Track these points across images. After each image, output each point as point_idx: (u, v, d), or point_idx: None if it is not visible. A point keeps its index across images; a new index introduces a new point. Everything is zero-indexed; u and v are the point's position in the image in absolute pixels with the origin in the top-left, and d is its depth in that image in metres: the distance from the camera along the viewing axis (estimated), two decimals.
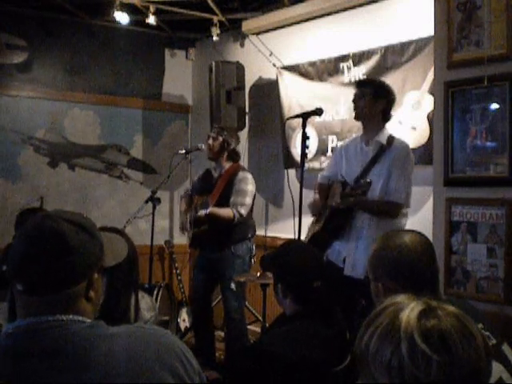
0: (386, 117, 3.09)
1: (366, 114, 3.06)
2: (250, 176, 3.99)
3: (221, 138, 3.97)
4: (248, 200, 3.91)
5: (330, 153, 4.41)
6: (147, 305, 2.35)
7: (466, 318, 0.96)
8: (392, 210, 2.98)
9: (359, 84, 3.17)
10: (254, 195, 4.01)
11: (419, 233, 1.77)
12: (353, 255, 3.00)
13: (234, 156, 4.06)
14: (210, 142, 4.01)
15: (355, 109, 3.09)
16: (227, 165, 4.02)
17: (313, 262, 2.05)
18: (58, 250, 1.15)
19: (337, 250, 3.11)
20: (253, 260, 4.02)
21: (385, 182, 2.94)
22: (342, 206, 2.94)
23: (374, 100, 3.02)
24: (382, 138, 3.03)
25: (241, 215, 3.85)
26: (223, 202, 3.90)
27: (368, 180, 2.78)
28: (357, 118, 3.14)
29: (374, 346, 0.94)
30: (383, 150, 3.00)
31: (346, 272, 3.02)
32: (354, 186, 2.88)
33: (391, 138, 3.04)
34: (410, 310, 0.95)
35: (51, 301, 1.15)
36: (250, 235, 4.02)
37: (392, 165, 2.95)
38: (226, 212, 3.85)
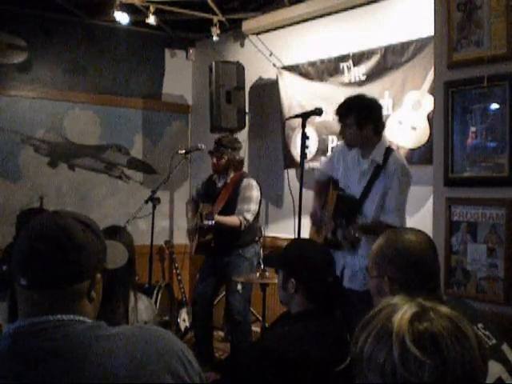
0: (378, 132, 2.97)
1: (357, 141, 2.97)
2: (254, 182, 4.02)
3: (226, 157, 4.00)
4: (253, 206, 3.94)
5: (330, 153, 4.40)
6: (144, 305, 2.35)
7: (460, 319, 0.96)
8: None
9: (341, 116, 3.00)
10: (260, 201, 4.04)
11: (422, 231, 1.77)
12: (352, 267, 2.96)
13: (239, 166, 4.09)
14: (215, 160, 4.03)
15: (344, 138, 3.01)
16: (232, 173, 4.05)
17: (326, 258, 2.06)
18: (65, 246, 1.15)
19: None
20: (260, 261, 4.03)
21: (380, 198, 2.90)
22: (333, 242, 2.94)
23: (360, 129, 2.91)
24: (378, 156, 2.93)
25: (247, 221, 3.89)
26: (229, 210, 3.93)
27: (357, 235, 2.79)
28: (350, 146, 3.05)
29: (368, 349, 0.94)
30: (379, 169, 2.93)
31: (344, 283, 2.97)
32: (345, 234, 2.86)
33: (387, 154, 2.93)
34: (402, 312, 0.95)
35: (54, 298, 1.14)
36: (257, 238, 4.10)
37: (387, 184, 2.89)
38: (232, 220, 3.89)
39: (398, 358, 0.90)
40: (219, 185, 4.09)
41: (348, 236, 2.84)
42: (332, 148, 4.37)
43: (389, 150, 2.95)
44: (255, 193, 3.97)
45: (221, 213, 3.92)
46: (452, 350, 0.90)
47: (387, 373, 0.90)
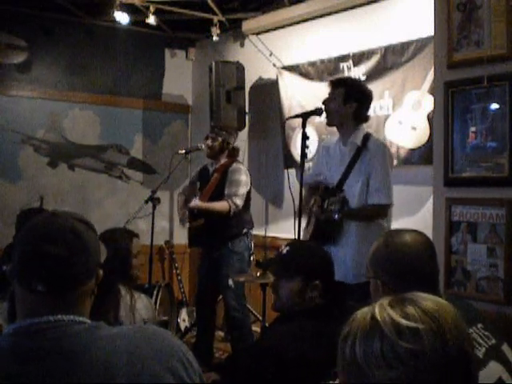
0: (359, 118, 3.02)
1: (335, 117, 3.02)
2: (243, 167, 4.02)
3: (220, 139, 4.00)
4: (242, 190, 3.89)
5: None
6: (144, 305, 2.35)
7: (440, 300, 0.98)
8: (379, 211, 2.96)
9: (332, 84, 3.08)
10: (250, 186, 4.01)
11: (420, 232, 1.77)
12: (344, 261, 2.94)
13: (234, 153, 4.09)
14: (209, 142, 4.02)
15: (326, 111, 3.03)
16: (223, 160, 4.05)
17: (328, 259, 2.14)
18: (76, 247, 1.15)
19: None
20: (252, 257, 4.01)
21: (363, 183, 2.92)
22: (322, 217, 2.91)
23: (344, 103, 2.97)
24: (357, 139, 2.98)
25: (236, 206, 3.85)
26: (218, 194, 3.90)
27: (341, 195, 2.80)
28: (329, 123, 3.09)
29: (360, 350, 0.91)
30: (359, 151, 2.96)
31: (338, 278, 2.96)
32: (331, 201, 2.84)
33: (366, 138, 2.99)
34: (378, 304, 0.95)
35: (60, 300, 1.14)
36: (245, 230, 4.00)
37: (370, 165, 2.92)
38: (220, 204, 3.85)
39: (393, 336, 0.89)
40: (211, 170, 4.09)
41: (334, 202, 2.83)
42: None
43: (367, 135, 3.02)
44: (243, 177, 3.93)
45: (211, 198, 3.90)
46: (442, 317, 0.91)
47: (389, 356, 0.89)
